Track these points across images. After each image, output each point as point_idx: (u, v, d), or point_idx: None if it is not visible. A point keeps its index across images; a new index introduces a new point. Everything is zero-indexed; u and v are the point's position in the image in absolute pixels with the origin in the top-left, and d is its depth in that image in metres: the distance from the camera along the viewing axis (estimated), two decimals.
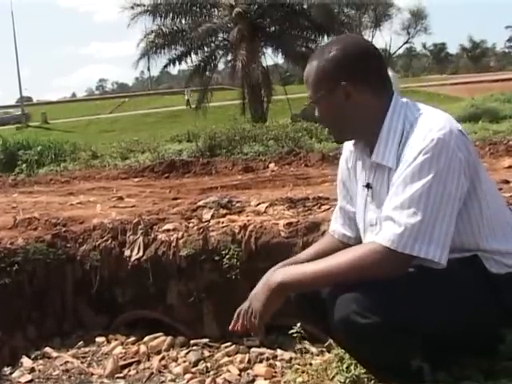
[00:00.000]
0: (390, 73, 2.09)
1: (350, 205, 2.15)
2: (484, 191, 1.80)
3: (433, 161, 1.67)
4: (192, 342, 3.72)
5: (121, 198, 5.94)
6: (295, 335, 2.49)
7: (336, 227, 2.22)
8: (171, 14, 23.02)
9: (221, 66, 25.66)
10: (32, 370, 3.53)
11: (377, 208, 1.90)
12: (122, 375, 3.40)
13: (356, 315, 1.69)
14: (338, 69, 1.88)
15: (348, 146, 2.12)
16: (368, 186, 1.94)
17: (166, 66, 24.54)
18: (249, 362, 3.36)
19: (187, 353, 3.59)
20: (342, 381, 2.05)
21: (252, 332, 1.94)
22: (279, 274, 1.84)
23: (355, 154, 2.05)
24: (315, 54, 1.97)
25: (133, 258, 3.93)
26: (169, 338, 3.74)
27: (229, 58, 23.81)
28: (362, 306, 1.68)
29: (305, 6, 23.07)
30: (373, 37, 37.28)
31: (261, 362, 3.36)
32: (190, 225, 4.00)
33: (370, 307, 1.68)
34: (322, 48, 2.01)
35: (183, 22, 23.31)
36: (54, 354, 3.71)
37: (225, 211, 4.18)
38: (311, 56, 1.97)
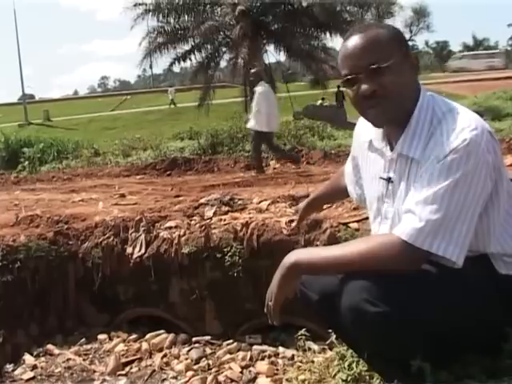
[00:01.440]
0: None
1: (358, 184, 2.20)
2: (505, 194, 1.79)
3: (462, 161, 1.65)
4: (194, 339, 3.72)
5: (123, 196, 5.94)
6: (297, 333, 2.49)
7: (346, 183, 2.32)
8: (174, 13, 23.01)
9: (223, 63, 25.64)
10: (34, 367, 3.54)
11: (394, 203, 1.87)
12: (123, 372, 3.40)
13: (366, 303, 1.68)
14: (404, 39, 1.81)
15: (364, 135, 2.03)
16: (389, 179, 1.91)
17: (170, 65, 24.54)
18: (251, 359, 3.37)
19: (189, 350, 3.59)
20: (344, 378, 2.05)
21: (268, 315, 1.93)
22: (294, 254, 1.83)
23: (373, 146, 1.98)
24: (364, 27, 1.81)
25: (135, 256, 3.94)
26: (171, 336, 3.74)
27: (231, 55, 23.78)
28: (373, 295, 1.67)
29: (307, 4, 23.03)
30: None
31: (263, 359, 3.37)
32: (192, 222, 4.00)
33: (380, 297, 1.67)
34: (366, 25, 1.85)
35: (186, 19, 23.30)
36: (56, 352, 3.71)
37: (227, 209, 4.18)
38: (357, 30, 1.80)
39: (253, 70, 9.50)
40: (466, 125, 1.68)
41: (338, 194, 2.48)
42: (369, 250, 1.72)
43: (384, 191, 1.93)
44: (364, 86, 1.75)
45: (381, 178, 1.93)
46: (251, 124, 8.99)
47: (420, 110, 1.79)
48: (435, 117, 1.77)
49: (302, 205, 2.66)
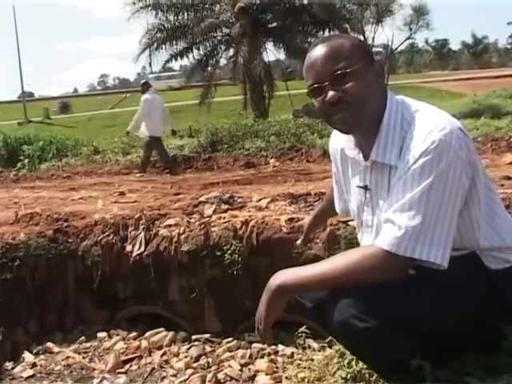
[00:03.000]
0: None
1: (342, 199, 2.20)
2: (483, 187, 1.79)
3: (433, 163, 1.64)
4: (193, 337, 3.72)
5: (122, 194, 5.94)
6: (297, 331, 2.49)
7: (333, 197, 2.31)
8: (173, 9, 22.98)
9: (223, 61, 25.60)
10: (34, 364, 3.54)
11: (373, 210, 1.89)
12: (123, 370, 3.40)
13: (355, 319, 1.68)
14: (367, 49, 1.85)
15: (336, 144, 2.09)
16: (366, 187, 1.92)
17: (167, 62, 24.49)
18: (250, 357, 3.37)
19: (189, 348, 3.59)
20: (344, 376, 2.05)
21: (260, 337, 1.93)
22: (279, 276, 1.82)
23: (346, 155, 2.00)
24: (326, 38, 1.87)
25: (134, 254, 3.94)
26: (170, 334, 3.74)
27: (230, 53, 23.76)
28: (361, 310, 1.67)
29: (306, 2, 23.00)
30: (375, 32, 37.14)
31: (262, 357, 3.37)
32: (192, 220, 4.00)
33: (368, 311, 1.67)
34: (330, 36, 1.96)
35: (185, 16, 23.27)
36: (56, 349, 3.71)
37: (226, 207, 4.18)
38: (320, 41, 1.85)
39: (142, 81, 11.04)
40: (433, 126, 1.69)
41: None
42: (353, 263, 1.71)
43: (362, 199, 1.95)
44: (330, 93, 1.77)
45: (358, 186, 1.95)
46: (139, 131, 10.57)
47: (389, 116, 1.80)
48: (405, 121, 1.78)
49: (306, 221, 2.68)
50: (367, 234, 1.93)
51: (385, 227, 1.72)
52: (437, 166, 1.64)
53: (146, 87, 10.61)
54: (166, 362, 3.46)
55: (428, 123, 1.71)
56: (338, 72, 1.75)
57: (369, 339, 1.68)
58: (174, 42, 23.30)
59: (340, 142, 2.04)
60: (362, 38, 30.17)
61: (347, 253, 1.81)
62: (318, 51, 1.80)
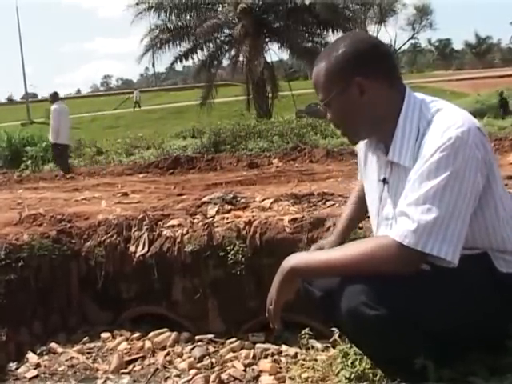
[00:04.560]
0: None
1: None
2: (499, 190, 1.78)
3: (449, 158, 1.65)
4: (197, 337, 3.72)
5: (126, 194, 5.94)
6: (300, 331, 2.49)
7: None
8: (176, 10, 23.00)
9: (226, 61, 25.63)
10: (37, 365, 3.54)
11: (394, 203, 1.88)
12: (127, 371, 3.40)
13: (364, 306, 1.69)
14: (349, 65, 1.82)
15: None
16: (384, 180, 1.92)
17: (172, 64, 24.54)
18: (254, 357, 3.36)
19: (192, 348, 3.59)
20: (347, 376, 2.06)
21: (269, 319, 1.94)
22: (292, 259, 1.84)
23: (368, 150, 2.04)
24: (322, 55, 1.90)
25: (138, 254, 3.94)
26: (174, 334, 3.74)
27: (233, 53, 23.77)
28: (371, 298, 1.68)
29: (309, 2, 23.00)
30: (378, 32, 37.18)
31: (266, 357, 3.36)
32: (195, 221, 4.00)
33: (378, 299, 1.68)
34: (329, 47, 1.93)
35: (188, 17, 23.29)
36: (60, 350, 3.71)
37: (229, 207, 4.18)
38: (318, 57, 1.91)
39: (50, 93, 11.94)
40: (451, 123, 1.70)
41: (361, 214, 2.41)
42: (365, 253, 1.72)
43: (382, 192, 1.95)
44: (328, 115, 1.93)
45: (378, 180, 1.96)
46: (50, 137, 11.32)
47: (405, 116, 1.82)
48: (424, 119, 1.79)
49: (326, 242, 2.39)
50: (385, 228, 1.92)
51: (399, 220, 1.72)
52: (453, 163, 1.65)
53: (55, 98, 11.62)
54: (170, 362, 3.45)
55: (446, 120, 1.72)
56: (323, 102, 1.90)
57: (377, 327, 1.69)
58: (177, 43, 23.35)
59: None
60: None
61: (361, 241, 1.83)
62: (312, 76, 1.96)
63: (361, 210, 2.33)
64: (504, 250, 1.80)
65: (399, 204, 1.76)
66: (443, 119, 1.73)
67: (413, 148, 1.77)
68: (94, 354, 3.67)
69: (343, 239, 2.31)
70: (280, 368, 3.17)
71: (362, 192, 2.23)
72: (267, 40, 23.81)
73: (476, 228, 1.76)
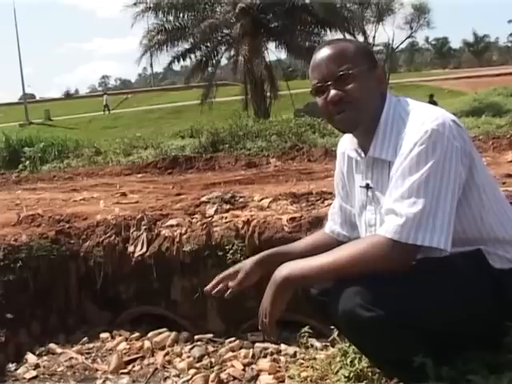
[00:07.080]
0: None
1: (350, 206, 2.17)
2: (482, 180, 1.82)
3: (428, 151, 1.69)
4: (196, 337, 3.72)
5: (124, 194, 5.93)
6: (299, 330, 2.49)
7: (334, 227, 2.28)
8: (173, 11, 22.99)
9: (224, 61, 25.63)
10: (37, 366, 3.53)
11: (376, 208, 1.92)
12: (126, 371, 3.40)
13: (360, 308, 1.69)
14: (371, 54, 1.95)
15: (340, 149, 2.15)
16: (367, 186, 1.95)
17: (170, 63, 24.51)
18: (253, 356, 3.36)
19: (191, 348, 3.59)
20: (346, 375, 2.06)
21: (264, 332, 1.94)
22: (284, 268, 1.84)
23: (348, 157, 2.07)
24: (333, 41, 2.01)
25: (136, 254, 3.94)
26: (173, 334, 3.74)
27: (231, 53, 23.77)
28: (366, 299, 1.69)
29: (307, 1, 23.02)
30: (375, 31, 37.12)
31: (265, 356, 3.36)
32: (194, 220, 4.00)
33: (374, 300, 1.68)
34: (336, 39, 2.07)
35: (186, 17, 23.28)
36: (59, 350, 3.71)
37: (228, 206, 4.18)
38: (325, 44, 1.95)
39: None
40: (426, 118, 1.75)
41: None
42: (358, 253, 1.74)
43: (365, 199, 1.98)
44: (332, 93, 1.86)
45: (360, 186, 1.99)
46: None
47: (387, 115, 1.86)
48: (400, 118, 1.84)
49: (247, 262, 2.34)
50: (370, 234, 1.94)
51: (387, 217, 1.75)
52: (432, 154, 1.69)
53: None
54: (169, 362, 3.45)
55: (421, 116, 1.77)
56: (342, 73, 1.84)
57: (373, 329, 1.70)
58: (175, 43, 23.33)
59: (344, 146, 2.11)
60: (362, 37, 30.20)
61: (353, 243, 1.84)
62: (324, 52, 1.89)
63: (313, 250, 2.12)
64: (495, 238, 1.82)
65: (385, 202, 1.79)
66: (418, 115, 1.79)
67: (394, 143, 1.81)
68: (93, 355, 3.66)
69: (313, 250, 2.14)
70: (279, 367, 3.17)
71: (321, 240, 2.27)
72: (265, 40, 23.80)
73: (463, 218, 1.79)
